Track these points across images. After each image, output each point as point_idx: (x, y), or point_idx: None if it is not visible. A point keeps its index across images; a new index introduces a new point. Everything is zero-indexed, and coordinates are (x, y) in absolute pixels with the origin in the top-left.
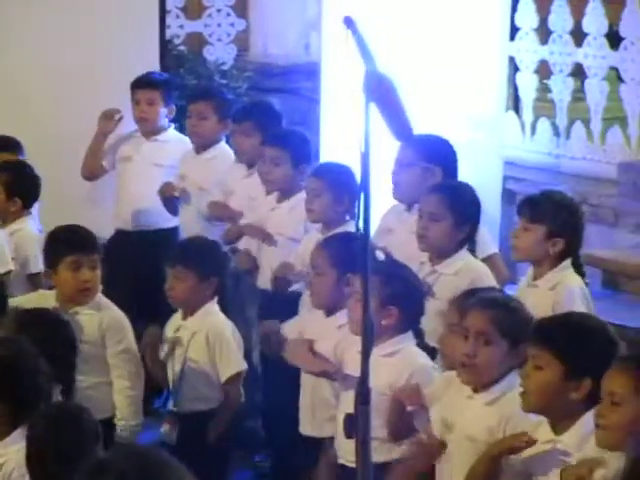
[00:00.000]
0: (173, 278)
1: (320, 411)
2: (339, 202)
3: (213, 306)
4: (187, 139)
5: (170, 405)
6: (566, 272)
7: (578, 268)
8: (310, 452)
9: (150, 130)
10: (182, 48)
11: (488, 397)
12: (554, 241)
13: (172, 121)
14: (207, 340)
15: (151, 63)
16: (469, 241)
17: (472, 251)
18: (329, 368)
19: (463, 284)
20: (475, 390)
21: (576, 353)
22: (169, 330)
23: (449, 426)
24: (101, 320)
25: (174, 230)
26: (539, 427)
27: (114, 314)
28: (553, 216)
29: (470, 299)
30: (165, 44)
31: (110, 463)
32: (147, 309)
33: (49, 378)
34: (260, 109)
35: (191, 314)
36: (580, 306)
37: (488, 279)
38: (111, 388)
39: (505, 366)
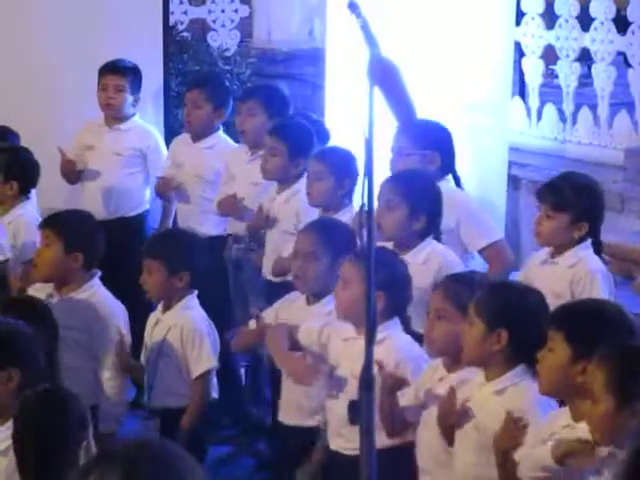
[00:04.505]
0: (145, 271)
1: (303, 400)
2: (340, 186)
3: (191, 300)
4: (151, 129)
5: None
6: (586, 252)
7: (597, 247)
8: (310, 442)
9: (115, 116)
10: (185, 34)
11: (497, 386)
12: (579, 226)
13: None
14: (181, 335)
15: (154, 49)
16: (434, 234)
17: (438, 241)
18: (301, 370)
19: (432, 270)
20: (486, 378)
21: (582, 336)
22: (149, 324)
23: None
24: (93, 307)
25: (139, 217)
26: (556, 418)
27: (106, 302)
28: (576, 202)
29: (454, 283)
30: (169, 30)
31: (119, 451)
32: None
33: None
34: (265, 89)
35: (169, 308)
36: (602, 289)
37: (456, 264)
38: (95, 375)
39: (485, 350)
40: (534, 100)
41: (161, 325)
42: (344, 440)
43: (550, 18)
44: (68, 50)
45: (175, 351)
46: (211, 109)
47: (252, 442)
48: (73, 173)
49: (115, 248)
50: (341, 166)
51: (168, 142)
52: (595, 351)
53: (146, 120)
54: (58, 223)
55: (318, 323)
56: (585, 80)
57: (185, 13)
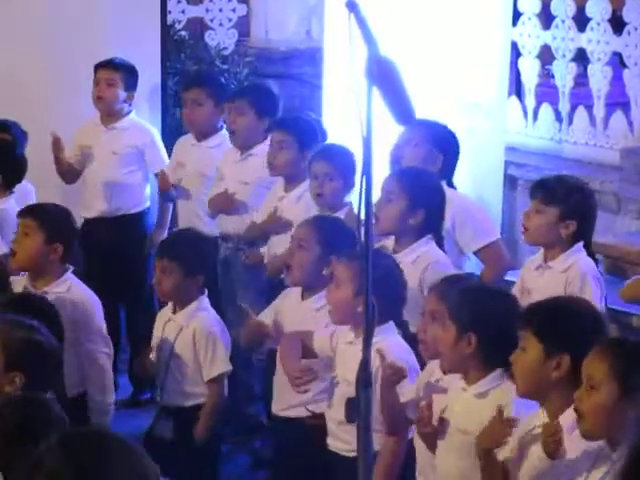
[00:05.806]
0: (160, 271)
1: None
2: (349, 186)
3: (204, 302)
4: (148, 126)
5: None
6: (579, 255)
7: (590, 253)
8: (308, 437)
9: (108, 111)
10: (183, 33)
11: (478, 389)
12: (567, 223)
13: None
14: (194, 337)
15: (152, 48)
16: (433, 233)
17: (440, 245)
18: (308, 378)
19: (419, 271)
20: (468, 382)
21: (553, 330)
22: (159, 322)
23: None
24: (70, 300)
25: (141, 214)
26: (532, 418)
27: (83, 295)
28: (566, 198)
29: (450, 285)
30: (166, 29)
31: (45, 461)
32: (117, 296)
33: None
34: (253, 88)
35: (181, 308)
36: (594, 291)
37: (444, 266)
38: (78, 366)
39: (458, 354)
40: (530, 100)
41: (172, 325)
42: (341, 442)
43: (547, 18)
44: (66, 49)
45: (187, 352)
46: (212, 106)
47: (248, 440)
48: (70, 173)
49: (118, 245)
50: (347, 165)
51: (165, 141)
52: (567, 344)
53: (143, 119)
54: (40, 213)
55: (328, 329)
56: (581, 80)
57: (183, 12)
